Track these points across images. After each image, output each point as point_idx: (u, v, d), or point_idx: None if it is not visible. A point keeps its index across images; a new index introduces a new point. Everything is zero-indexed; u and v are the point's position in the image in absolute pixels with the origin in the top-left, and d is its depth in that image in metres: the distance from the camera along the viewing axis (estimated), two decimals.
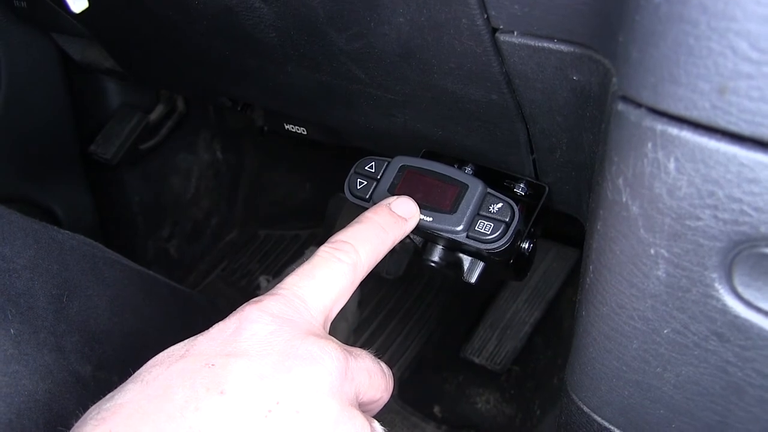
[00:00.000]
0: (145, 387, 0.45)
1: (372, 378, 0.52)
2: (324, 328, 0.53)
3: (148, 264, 1.71)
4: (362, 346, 0.54)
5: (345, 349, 0.50)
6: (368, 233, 0.60)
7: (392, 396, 1.46)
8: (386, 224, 0.62)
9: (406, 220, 0.65)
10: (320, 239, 1.72)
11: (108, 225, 1.65)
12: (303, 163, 1.88)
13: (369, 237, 0.59)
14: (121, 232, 1.69)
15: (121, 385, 0.46)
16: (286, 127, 1.11)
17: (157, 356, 0.48)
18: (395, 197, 0.67)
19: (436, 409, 1.50)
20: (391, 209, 0.65)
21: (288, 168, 1.89)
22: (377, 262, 0.60)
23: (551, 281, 1.60)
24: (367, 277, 0.59)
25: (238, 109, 1.19)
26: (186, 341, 0.49)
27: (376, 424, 0.51)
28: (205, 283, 1.81)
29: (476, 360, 1.53)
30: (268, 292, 0.52)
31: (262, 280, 1.67)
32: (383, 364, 0.55)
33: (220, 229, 1.87)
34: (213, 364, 0.45)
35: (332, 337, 0.51)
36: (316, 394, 0.46)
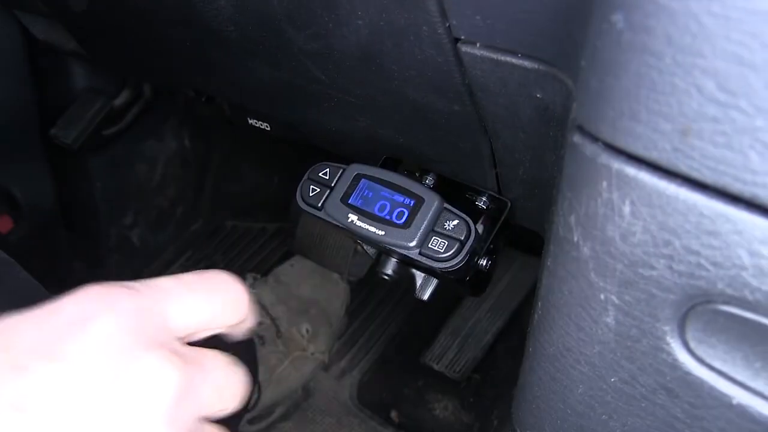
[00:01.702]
0: None
1: (222, 393, 0.45)
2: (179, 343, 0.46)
3: (110, 251, 1.68)
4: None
5: (191, 363, 0.43)
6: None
7: (351, 398, 1.46)
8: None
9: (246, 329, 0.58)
10: (287, 234, 1.69)
11: (69, 210, 1.62)
12: (272, 157, 1.85)
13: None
14: (83, 218, 1.66)
15: None
16: (250, 121, 1.09)
17: None
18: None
19: (394, 414, 1.49)
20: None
21: (257, 160, 1.86)
22: (237, 324, 0.53)
23: (516, 291, 1.58)
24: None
25: (203, 100, 1.16)
26: (13, 326, 0.41)
27: None
28: (167, 273, 1.77)
29: (435, 367, 1.52)
30: (133, 286, 0.44)
31: (249, 277, 1.64)
32: (240, 371, 0.48)
33: (186, 219, 1.83)
34: (25, 368, 0.38)
35: (181, 350, 0.44)
36: (138, 421, 0.40)
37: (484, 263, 0.74)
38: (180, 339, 0.45)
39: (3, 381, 0.37)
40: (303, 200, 0.72)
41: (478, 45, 0.52)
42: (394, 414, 1.49)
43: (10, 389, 0.37)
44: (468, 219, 0.67)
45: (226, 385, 0.45)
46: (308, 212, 0.72)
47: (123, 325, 0.41)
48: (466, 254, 0.66)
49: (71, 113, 1.47)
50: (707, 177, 0.31)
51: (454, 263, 0.66)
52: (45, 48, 1.39)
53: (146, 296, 0.43)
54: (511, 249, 1.63)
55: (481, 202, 0.77)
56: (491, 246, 0.75)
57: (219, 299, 0.47)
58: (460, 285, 0.77)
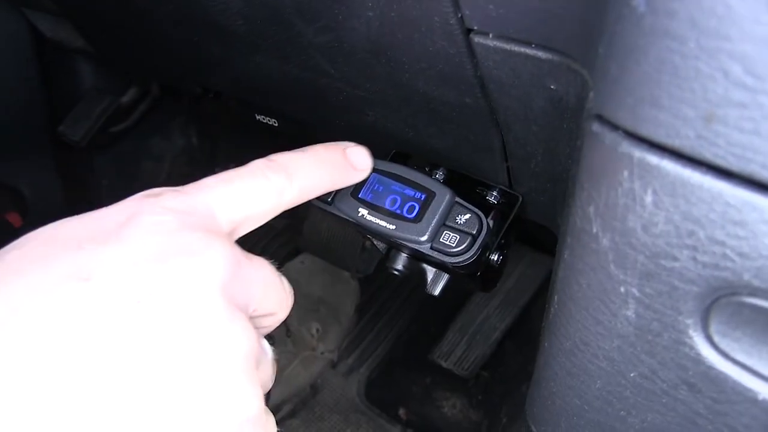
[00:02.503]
0: None
1: (267, 290, 0.46)
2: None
3: None
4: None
5: (240, 252, 0.44)
6: (311, 166, 0.54)
7: (358, 396, 1.46)
8: (333, 166, 0.57)
9: (356, 170, 0.60)
10: (295, 230, 1.69)
11: (76, 207, 1.60)
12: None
13: (310, 171, 0.53)
14: None
15: None
16: (258, 117, 1.08)
17: (20, 238, 0.42)
18: (353, 144, 0.61)
19: (402, 412, 1.48)
20: (345, 153, 0.59)
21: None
22: (307, 200, 0.54)
23: (525, 288, 1.57)
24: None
25: (210, 96, 1.16)
26: (59, 222, 0.43)
27: (266, 344, 0.46)
28: None
29: (444, 364, 1.51)
30: (175, 188, 0.46)
31: None
32: (284, 279, 0.49)
33: None
34: (82, 249, 0.39)
35: (229, 239, 0.45)
36: (194, 289, 0.40)
37: (496, 258, 0.73)
38: (228, 234, 0.46)
39: (65, 257, 0.38)
40: None
41: (490, 36, 0.51)
42: (402, 412, 1.48)
43: (72, 262, 0.38)
44: (480, 213, 0.66)
45: (271, 283, 0.47)
46: (318, 207, 0.71)
47: (170, 215, 0.42)
48: (478, 249, 0.65)
49: (79, 111, 1.47)
50: (733, 164, 0.30)
51: (466, 258, 0.65)
52: (53, 46, 1.38)
53: (189, 192, 0.45)
54: (521, 245, 1.62)
55: (492, 197, 0.76)
56: (502, 241, 0.74)
57: (259, 184, 0.48)
58: (471, 280, 0.76)
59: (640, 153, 0.33)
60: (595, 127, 0.35)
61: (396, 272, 0.76)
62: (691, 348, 0.37)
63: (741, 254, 0.32)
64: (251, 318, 0.45)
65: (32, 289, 0.37)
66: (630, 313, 0.38)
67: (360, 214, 0.68)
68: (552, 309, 0.46)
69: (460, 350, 1.53)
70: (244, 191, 0.47)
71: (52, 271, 0.38)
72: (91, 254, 0.39)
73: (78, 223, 0.42)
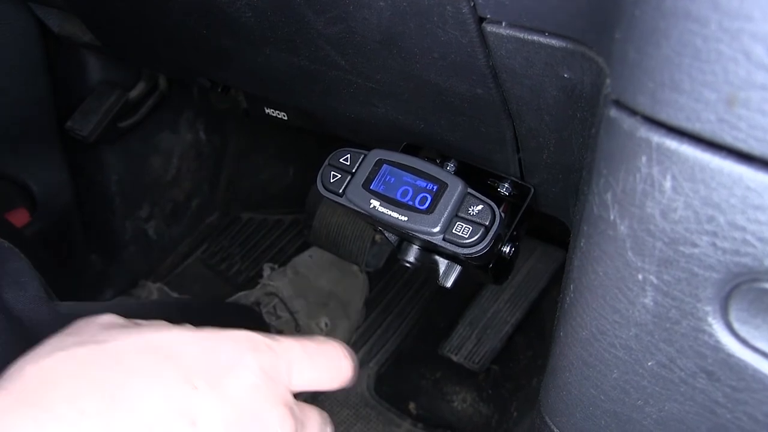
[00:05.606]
0: None
1: None
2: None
3: (126, 244, 1.68)
4: None
5: (299, 420, 0.50)
6: None
7: (368, 390, 1.46)
8: None
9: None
10: (304, 225, 1.69)
11: (85, 203, 1.61)
12: (288, 148, 1.84)
13: None
14: (98, 211, 1.65)
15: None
16: (267, 111, 1.08)
17: (134, 333, 0.46)
18: None
19: (412, 406, 1.48)
20: None
21: (273, 152, 1.86)
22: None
23: (535, 281, 1.57)
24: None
25: (219, 90, 1.16)
26: (176, 333, 0.48)
27: None
28: (184, 266, 1.77)
29: (454, 358, 1.51)
30: (271, 344, 0.51)
31: (266, 268, 1.63)
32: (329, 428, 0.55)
33: (201, 211, 1.83)
34: (196, 387, 0.45)
35: (294, 407, 0.51)
36: None
37: (508, 250, 0.73)
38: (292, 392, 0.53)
39: (178, 391, 0.44)
40: (324, 187, 0.71)
41: (503, 24, 0.50)
42: (411, 406, 1.48)
43: (184, 401, 0.44)
44: (493, 204, 0.66)
45: None
46: (329, 199, 0.71)
47: (264, 377, 0.48)
48: (491, 239, 0.65)
49: (87, 106, 1.47)
50: (754, 148, 0.29)
51: (479, 249, 0.65)
52: (60, 41, 1.38)
53: (281, 356, 0.51)
54: (531, 238, 1.61)
55: (504, 189, 0.76)
56: (515, 232, 0.74)
57: (331, 372, 0.54)
58: (483, 272, 0.76)
59: (658, 138, 0.32)
60: (613, 112, 0.35)
61: (408, 264, 0.76)
62: (711, 336, 0.36)
63: (762, 239, 0.31)
64: None
65: (149, 414, 0.42)
66: (648, 300, 0.37)
67: (372, 206, 0.68)
68: (567, 298, 0.45)
69: (470, 344, 1.52)
70: (317, 370, 0.53)
71: (166, 402, 0.43)
72: (200, 397, 0.44)
73: (195, 350, 0.47)
